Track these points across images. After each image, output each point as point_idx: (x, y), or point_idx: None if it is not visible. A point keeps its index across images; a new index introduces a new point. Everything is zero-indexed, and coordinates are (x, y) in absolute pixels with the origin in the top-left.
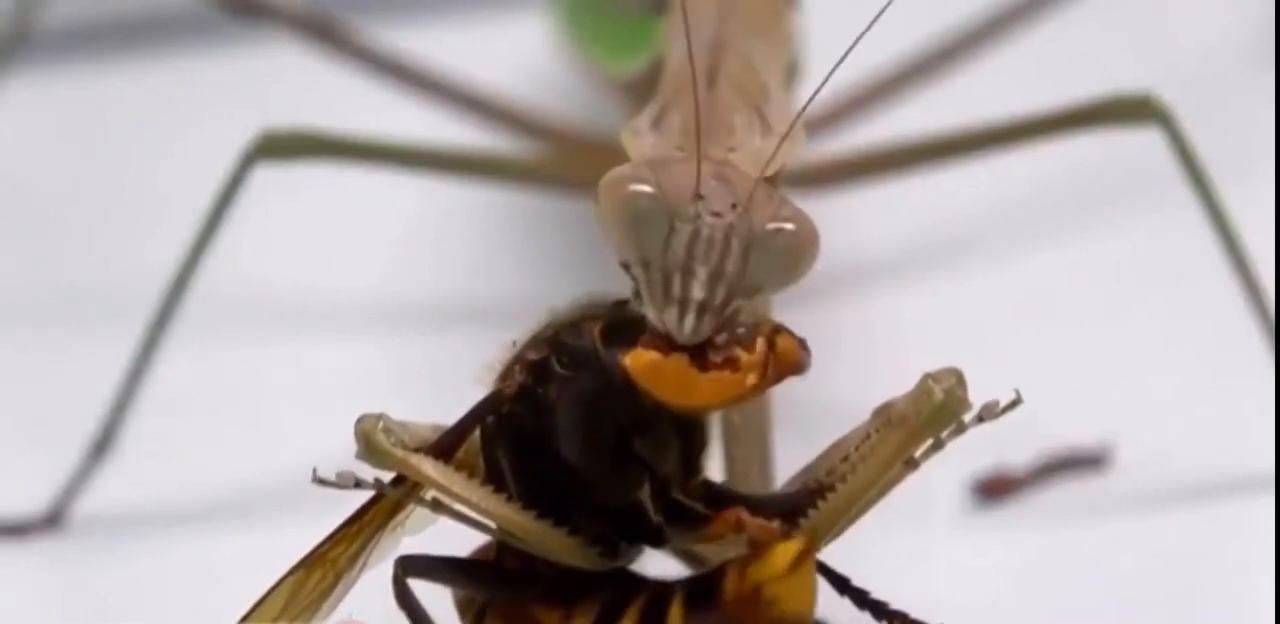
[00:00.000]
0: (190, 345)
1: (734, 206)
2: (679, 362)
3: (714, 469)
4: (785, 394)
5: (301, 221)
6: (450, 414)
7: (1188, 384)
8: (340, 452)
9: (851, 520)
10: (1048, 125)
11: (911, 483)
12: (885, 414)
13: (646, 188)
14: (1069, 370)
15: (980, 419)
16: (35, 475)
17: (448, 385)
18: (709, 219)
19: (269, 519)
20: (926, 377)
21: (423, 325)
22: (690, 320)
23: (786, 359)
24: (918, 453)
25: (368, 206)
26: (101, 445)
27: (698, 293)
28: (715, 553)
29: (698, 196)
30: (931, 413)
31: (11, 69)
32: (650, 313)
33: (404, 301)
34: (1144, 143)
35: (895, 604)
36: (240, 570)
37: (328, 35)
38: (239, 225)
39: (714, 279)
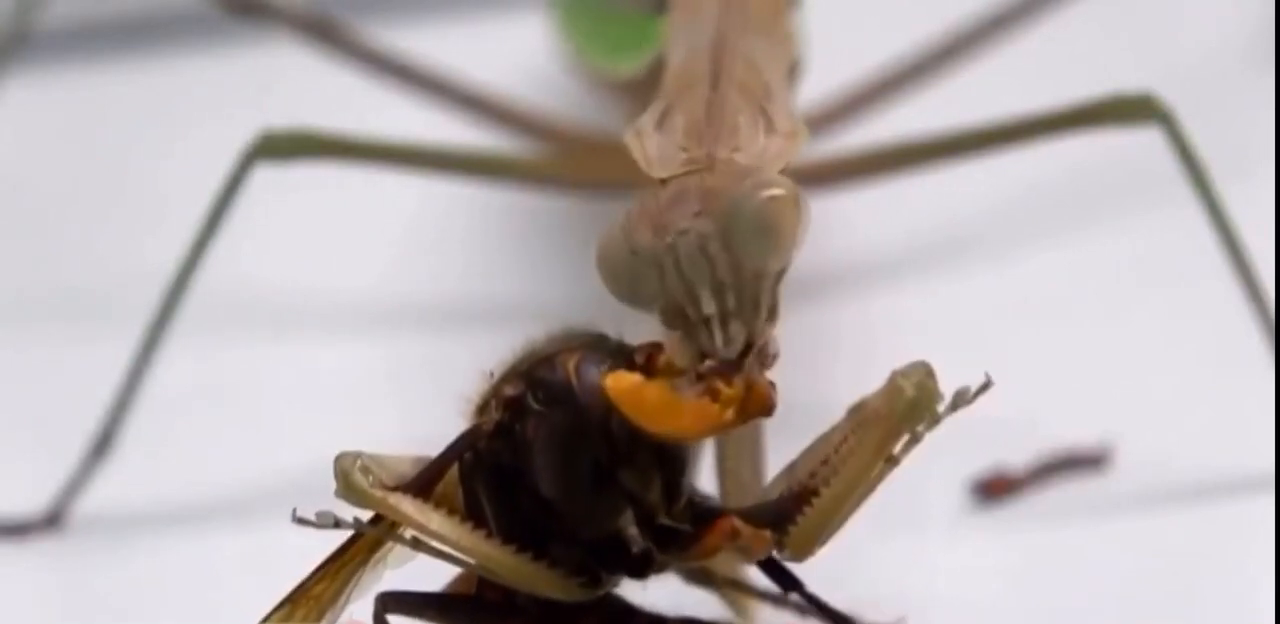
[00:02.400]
0: (190, 345)
1: (696, 214)
2: (661, 387)
3: (705, 470)
4: (784, 395)
5: (301, 221)
6: (449, 415)
7: (1188, 384)
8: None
9: (841, 523)
10: (1048, 125)
11: (911, 483)
12: (859, 413)
13: (624, 252)
14: (1069, 370)
15: (954, 408)
16: (35, 475)
17: (447, 385)
18: (677, 240)
19: (269, 519)
20: (895, 373)
21: (423, 325)
22: (719, 335)
23: (760, 399)
24: (897, 449)
25: (368, 206)
26: (101, 445)
27: (709, 308)
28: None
29: (662, 226)
30: (905, 409)
31: (11, 69)
32: (684, 353)
33: (404, 302)
34: (1144, 143)
35: (895, 604)
36: (240, 570)
37: (328, 35)
38: (239, 225)
39: (718, 289)
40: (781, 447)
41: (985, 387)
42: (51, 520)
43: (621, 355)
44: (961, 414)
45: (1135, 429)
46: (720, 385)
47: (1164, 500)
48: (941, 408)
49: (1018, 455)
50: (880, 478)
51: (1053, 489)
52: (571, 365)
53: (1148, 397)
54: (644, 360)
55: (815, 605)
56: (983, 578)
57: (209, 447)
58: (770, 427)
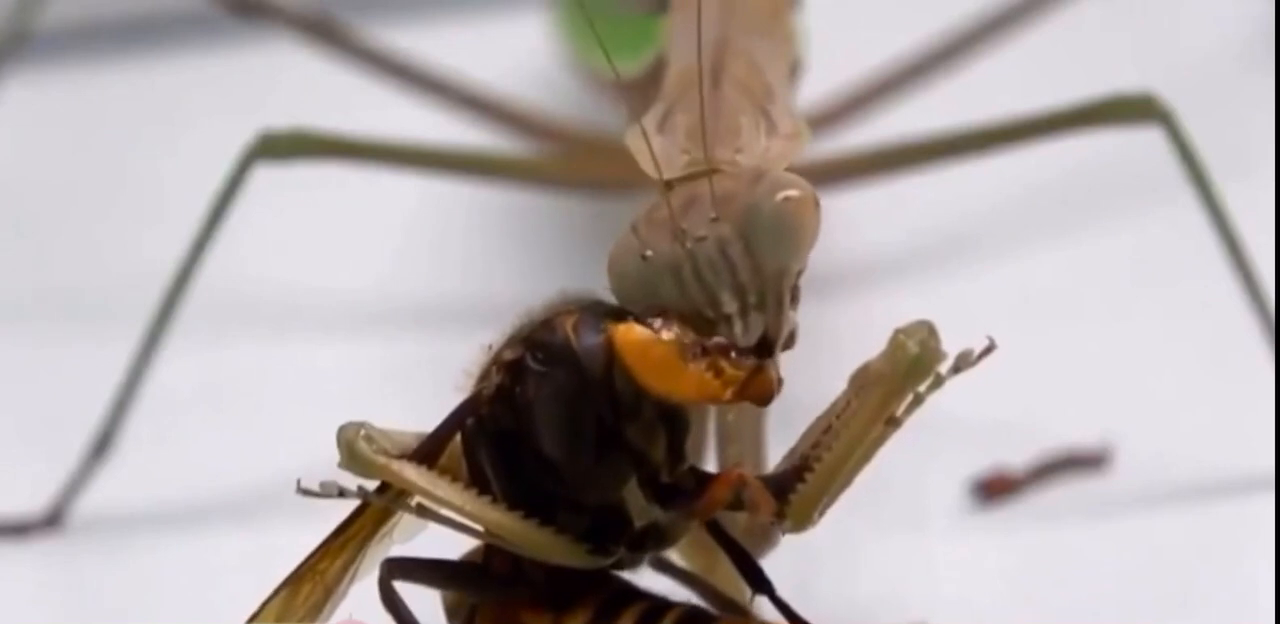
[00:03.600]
0: (190, 345)
1: (714, 219)
2: (669, 347)
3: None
4: (785, 394)
5: (301, 221)
6: (452, 400)
7: (1188, 384)
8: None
9: (841, 488)
10: (1048, 125)
11: (911, 483)
12: (862, 377)
13: (637, 259)
14: (1069, 370)
15: (957, 369)
16: (35, 475)
17: (447, 385)
18: (696, 247)
19: (269, 519)
20: (898, 332)
21: (422, 325)
22: (739, 325)
23: (763, 384)
24: (899, 411)
25: (368, 206)
26: (101, 445)
27: (730, 308)
28: (703, 561)
29: (680, 232)
30: (908, 367)
31: (11, 69)
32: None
33: (404, 302)
34: (1144, 143)
35: (895, 604)
36: (240, 570)
37: (328, 35)
38: (239, 225)
39: (740, 291)
40: (784, 445)
41: (989, 349)
42: (51, 520)
43: (619, 318)
44: (962, 414)
45: (1135, 429)
46: (725, 364)
47: (1164, 500)
48: (944, 370)
49: (1018, 455)
50: (881, 442)
51: (1053, 489)
52: (570, 325)
53: (1148, 397)
54: (657, 323)
55: (784, 610)
56: (983, 578)
57: (209, 447)
58: (772, 426)
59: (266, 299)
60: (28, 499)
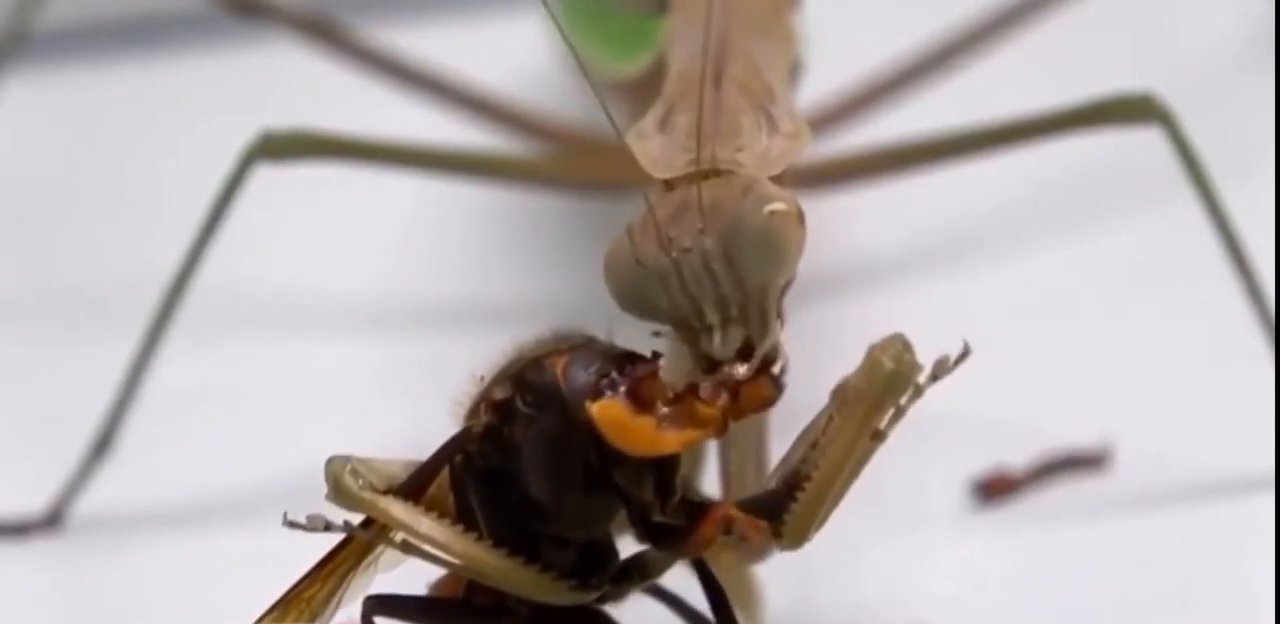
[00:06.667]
0: (190, 345)
1: (700, 230)
2: (646, 421)
3: (709, 472)
4: (787, 395)
5: (301, 221)
6: (449, 415)
7: (1187, 384)
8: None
9: (834, 505)
10: (1048, 125)
11: (911, 483)
12: (842, 393)
13: (630, 264)
14: (1069, 370)
15: (935, 378)
16: (35, 475)
17: (447, 385)
18: (681, 258)
19: (269, 519)
20: (873, 347)
21: (422, 325)
22: (719, 336)
23: (753, 401)
24: (883, 424)
25: (367, 207)
26: (101, 445)
27: (713, 319)
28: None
29: (667, 241)
30: (885, 382)
31: (11, 69)
32: (686, 365)
33: (403, 302)
34: (1144, 143)
35: (895, 604)
36: (240, 570)
37: (328, 35)
38: (239, 225)
39: (722, 303)
40: (785, 448)
41: (964, 355)
42: (51, 520)
43: (609, 359)
44: (962, 414)
45: (1135, 429)
46: (700, 407)
47: (1163, 500)
48: (922, 379)
49: (1018, 455)
50: (868, 456)
51: (1052, 489)
52: (559, 368)
53: (1147, 396)
54: (632, 386)
55: None
56: (983, 578)
57: (209, 447)
58: (774, 428)
59: (266, 299)
60: (28, 499)
